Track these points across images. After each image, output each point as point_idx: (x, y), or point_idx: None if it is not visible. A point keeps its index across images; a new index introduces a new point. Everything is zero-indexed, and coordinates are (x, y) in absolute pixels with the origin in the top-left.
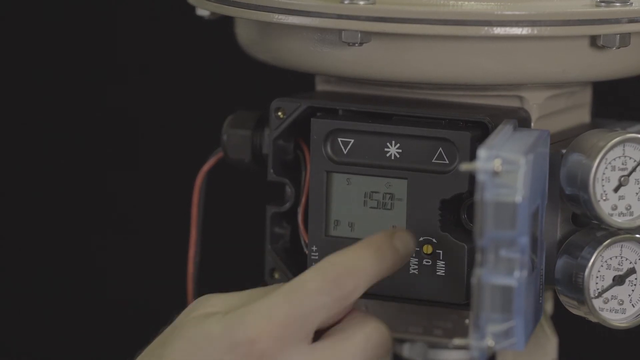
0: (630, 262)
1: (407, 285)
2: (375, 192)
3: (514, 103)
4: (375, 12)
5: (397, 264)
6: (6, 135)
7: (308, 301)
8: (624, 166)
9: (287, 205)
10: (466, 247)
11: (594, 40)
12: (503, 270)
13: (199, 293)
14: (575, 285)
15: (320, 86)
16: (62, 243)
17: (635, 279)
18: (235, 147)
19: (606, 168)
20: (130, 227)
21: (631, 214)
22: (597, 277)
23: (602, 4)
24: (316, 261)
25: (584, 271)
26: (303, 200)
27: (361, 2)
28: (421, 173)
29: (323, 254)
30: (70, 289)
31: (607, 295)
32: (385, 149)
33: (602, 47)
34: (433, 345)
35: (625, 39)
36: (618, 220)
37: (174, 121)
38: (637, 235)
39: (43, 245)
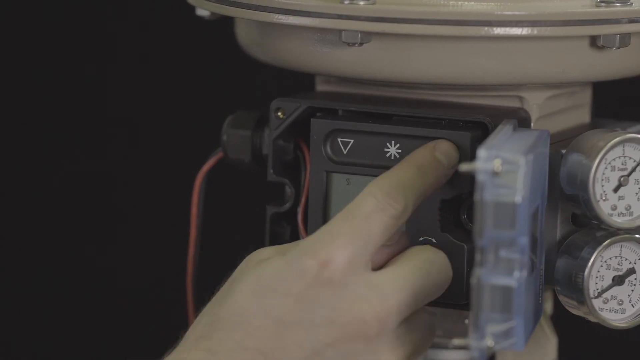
0: (630, 262)
1: None
2: None
3: (514, 103)
4: (375, 12)
5: (441, 177)
6: (6, 135)
7: (367, 221)
8: (623, 166)
9: (287, 206)
10: (466, 247)
11: (594, 41)
12: (503, 271)
13: (198, 293)
14: (575, 286)
15: (320, 86)
16: (63, 243)
17: (635, 279)
18: (235, 147)
19: (606, 168)
20: (130, 227)
21: (631, 214)
22: (596, 277)
23: (602, 4)
24: None
25: (583, 271)
26: (303, 200)
27: (361, 2)
28: None
29: None
30: (70, 289)
31: (606, 295)
32: (385, 149)
33: (602, 47)
34: (433, 345)
35: (625, 39)
36: (618, 221)
37: (174, 121)
38: (637, 236)
39: (43, 245)
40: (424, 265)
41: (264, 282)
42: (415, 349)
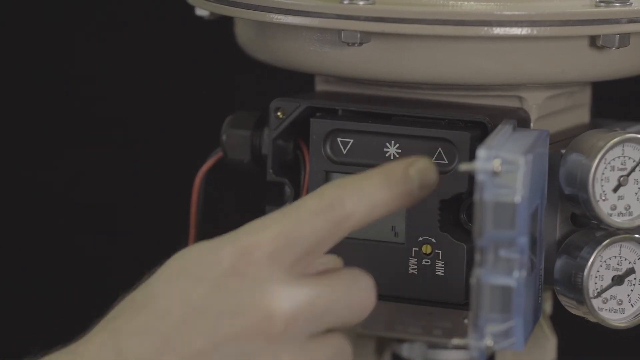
0: (629, 262)
1: (406, 285)
2: None
3: (514, 103)
4: (374, 12)
5: (412, 195)
6: (7, 136)
7: (301, 221)
8: (623, 166)
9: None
10: (465, 247)
11: (593, 41)
12: (502, 271)
13: None
14: (575, 285)
15: (320, 86)
16: (63, 243)
17: (634, 278)
18: (235, 147)
19: (605, 168)
20: (129, 226)
21: (630, 214)
22: (596, 277)
23: (602, 4)
24: None
25: (583, 271)
26: None
27: (361, 2)
28: None
29: None
30: (70, 289)
31: (606, 295)
32: (385, 149)
33: (602, 47)
34: (432, 346)
35: (624, 39)
36: (617, 220)
37: (174, 121)
38: (636, 235)
39: (43, 245)
40: (347, 284)
41: (182, 266)
42: None
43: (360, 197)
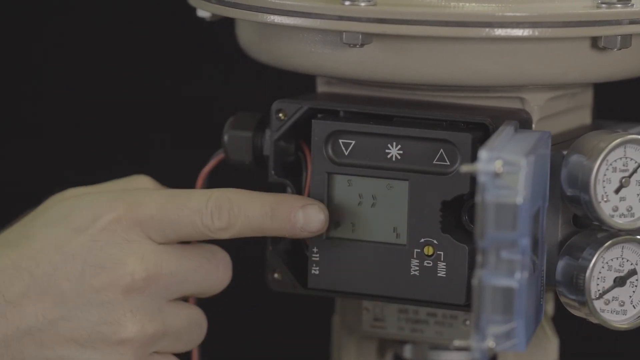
0: (631, 264)
1: (408, 286)
2: (376, 194)
3: (515, 104)
4: (376, 13)
5: (292, 232)
6: (5, 135)
7: (183, 212)
8: (625, 167)
9: None
10: (467, 248)
11: (595, 42)
12: (504, 272)
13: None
14: (576, 287)
15: (322, 88)
16: None
17: (636, 280)
18: (237, 148)
19: (607, 169)
20: None
21: (632, 215)
22: (598, 278)
23: (603, 5)
24: (317, 262)
25: (585, 272)
26: None
27: (362, 4)
28: (422, 174)
29: (324, 255)
30: None
31: (608, 296)
32: (387, 151)
33: (603, 49)
34: (434, 347)
35: (626, 40)
36: (619, 222)
37: (175, 122)
38: (638, 237)
39: None
40: (207, 257)
41: (61, 213)
42: (167, 333)
43: (242, 218)
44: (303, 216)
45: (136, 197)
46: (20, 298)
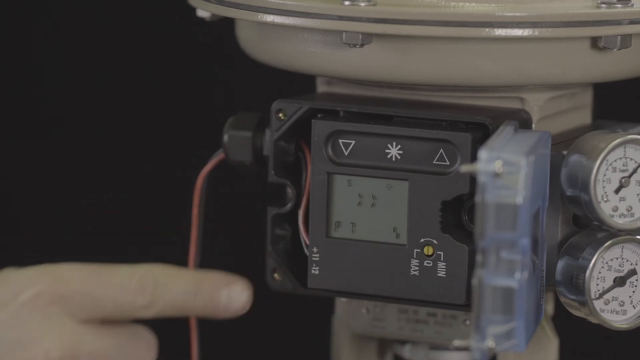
0: (631, 264)
1: (407, 287)
2: (376, 194)
3: (515, 104)
4: (376, 13)
5: (216, 311)
6: (5, 137)
7: (107, 289)
8: (624, 167)
9: (288, 207)
10: (467, 248)
11: (595, 42)
12: (504, 272)
13: None
14: (576, 287)
15: (322, 88)
16: (62, 243)
17: (636, 280)
18: (236, 148)
19: (607, 169)
20: (131, 228)
21: (632, 215)
22: (598, 278)
23: (603, 5)
24: (317, 262)
25: (584, 272)
26: (304, 201)
27: (362, 4)
28: (422, 174)
29: (324, 255)
30: None
31: (608, 296)
32: (386, 151)
33: (603, 49)
34: (434, 347)
35: (626, 41)
36: (619, 222)
37: (175, 122)
38: (638, 237)
39: (43, 245)
40: (129, 337)
41: None
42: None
43: (165, 295)
44: (227, 295)
45: (60, 271)
46: None
